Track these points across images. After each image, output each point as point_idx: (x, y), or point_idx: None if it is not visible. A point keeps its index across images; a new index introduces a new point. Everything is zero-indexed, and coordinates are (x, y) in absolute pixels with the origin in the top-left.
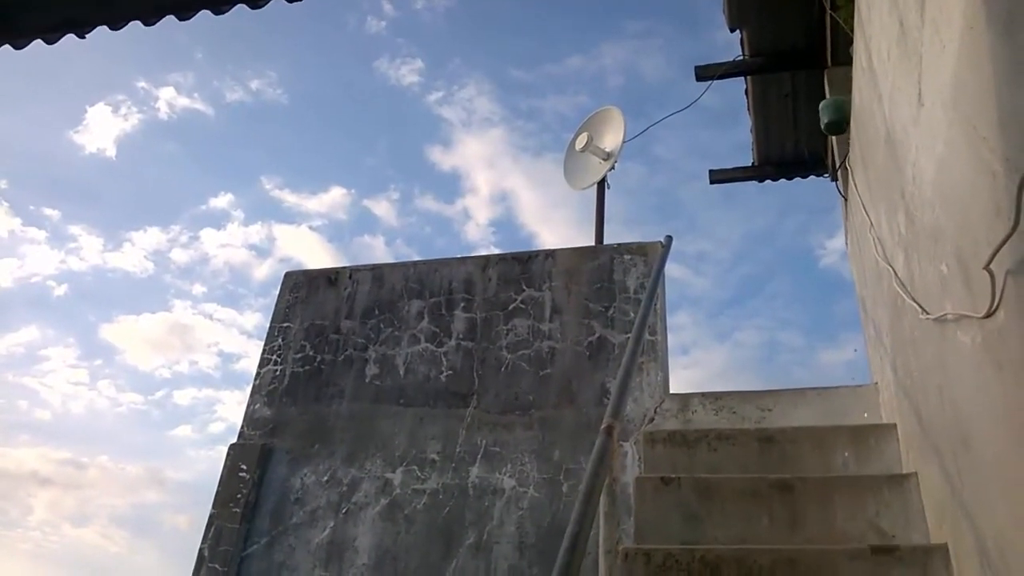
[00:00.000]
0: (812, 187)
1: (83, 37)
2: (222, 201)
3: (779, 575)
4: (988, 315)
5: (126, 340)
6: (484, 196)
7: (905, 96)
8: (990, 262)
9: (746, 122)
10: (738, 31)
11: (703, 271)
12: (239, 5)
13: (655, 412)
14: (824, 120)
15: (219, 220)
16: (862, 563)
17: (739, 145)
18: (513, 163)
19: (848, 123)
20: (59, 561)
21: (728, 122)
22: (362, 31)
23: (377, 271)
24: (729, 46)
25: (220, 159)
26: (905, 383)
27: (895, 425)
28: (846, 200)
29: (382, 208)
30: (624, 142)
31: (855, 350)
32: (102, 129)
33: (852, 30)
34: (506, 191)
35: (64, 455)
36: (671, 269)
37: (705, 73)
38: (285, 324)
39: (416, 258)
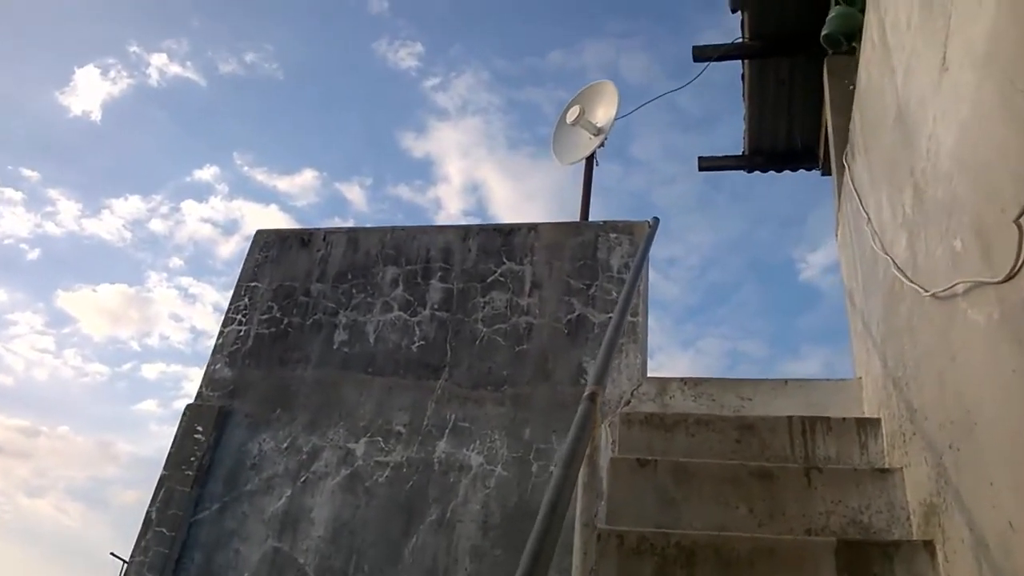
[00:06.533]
0: (789, 196)
1: None
2: (206, 174)
3: (757, 564)
4: (1009, 278)
5: (96, 310)
6: (456, 185)
7: (925, 64)
8: (1021, 215)
9: (724, 127)
10: (739, 12)
11: (673, 276)
12: None
13: (632, 395)
14: (827, 30)
15: (202, 193)
16: (844, 555)
17: (716, 150)
18: (488, 154)
19: (854, 40)
20: (10, 532)
21: (705, 127)
22: (364, 10)
23: (352, 234)
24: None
25: (207, 131)
26: (896, 374)
27: (880, 420)
28: (839, 192)
29: (354, 193)
30: (616, 118)
31: None
32: (89, 92)
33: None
34: (478, 181)
35: (22, 423)
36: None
37: (702, 54)
38: (253, 283)
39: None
